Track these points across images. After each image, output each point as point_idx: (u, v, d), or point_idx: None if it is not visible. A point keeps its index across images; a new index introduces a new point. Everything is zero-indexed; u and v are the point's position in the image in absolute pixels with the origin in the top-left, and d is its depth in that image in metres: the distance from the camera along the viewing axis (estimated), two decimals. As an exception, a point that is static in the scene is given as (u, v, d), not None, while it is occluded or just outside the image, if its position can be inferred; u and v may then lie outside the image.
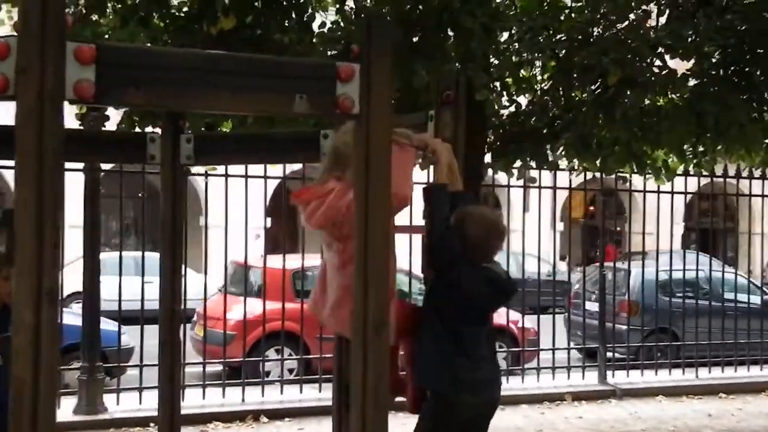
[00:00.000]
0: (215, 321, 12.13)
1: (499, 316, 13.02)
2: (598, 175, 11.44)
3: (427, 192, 4.17)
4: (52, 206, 2.80)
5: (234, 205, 10.46)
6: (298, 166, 9.59)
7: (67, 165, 9.36)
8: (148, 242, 15.03)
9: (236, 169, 10.33)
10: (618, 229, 28.50)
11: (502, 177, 10.98)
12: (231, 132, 7.03)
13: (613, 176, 11.56)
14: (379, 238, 3.14)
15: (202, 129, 7.09)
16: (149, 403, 9.86)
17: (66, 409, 9.51)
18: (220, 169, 10.24)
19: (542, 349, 12.67)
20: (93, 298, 9.60)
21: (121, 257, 10.35)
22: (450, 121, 4.24)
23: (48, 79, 2.75)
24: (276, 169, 11.33)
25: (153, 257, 14.98)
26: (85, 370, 9.47)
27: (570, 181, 12.06)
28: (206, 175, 10.70)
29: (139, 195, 13.12)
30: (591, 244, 26.94)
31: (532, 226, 11.78)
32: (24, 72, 2.74)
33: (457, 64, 7.13)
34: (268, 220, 13.04)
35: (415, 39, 7.10)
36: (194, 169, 10.10)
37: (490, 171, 9.58)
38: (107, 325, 11.85)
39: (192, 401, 9.90)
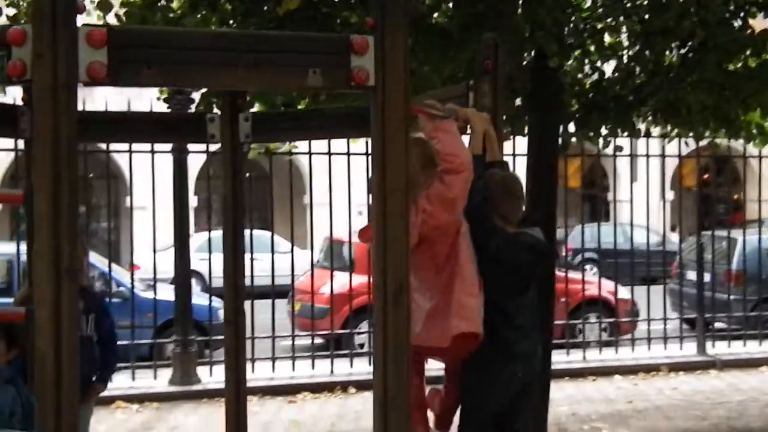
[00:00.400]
0: (309, 295, 12.30)
1: (595, 287, 13.01)
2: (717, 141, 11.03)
3: None
4: (69, 187, 2.89)
5: (337, 182, 10.53)
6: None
7: (164, 147, 9.77)
8: (257, 220, 15.38)
9: (339, 146, 10.39)
10: (736, 197, 27.82)
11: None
12: (285, 110, 7.07)
13: (729, 142, 11.16)
14: (398, 208, 3.15)
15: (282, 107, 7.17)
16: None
17: (162, 380, 9.86)
18: (323, 147, 10.29)
19: (636, 320, 12.48)
20: (184, 275, 9.86)
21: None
22: (489, 90, 4.21)
23: (61, 63, 2.84)
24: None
25: (262, 235, 15.39)
26: (179, 344, 9.77)
27: (680, 148, 11.74)
28: (309, 153, 10.71)
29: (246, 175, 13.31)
30: (705, 213, 26.31)
31: (640, 196, 11.56)
32: (39, 57, 2.84)
33: (526, 33, 7.02)
34: (370, 196, 13.03)
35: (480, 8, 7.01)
36: (298, 149, 10.30)
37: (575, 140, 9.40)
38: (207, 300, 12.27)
39: (282, 373, 10.32)
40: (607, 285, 13.02)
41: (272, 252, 10.59)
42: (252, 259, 9.76)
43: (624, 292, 13.12)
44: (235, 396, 5.04)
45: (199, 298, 12.17)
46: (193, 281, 18.45)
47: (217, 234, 15.30)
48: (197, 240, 17.41)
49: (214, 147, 10.33)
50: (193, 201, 21.04)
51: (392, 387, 3.17)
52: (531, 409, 4.48)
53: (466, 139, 4.16)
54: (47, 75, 2.84)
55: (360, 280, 11.38)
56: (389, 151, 3.16)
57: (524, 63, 7.78)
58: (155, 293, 11.06)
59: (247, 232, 13.91)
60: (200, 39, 3.10)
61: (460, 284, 3.91)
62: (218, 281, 11.17)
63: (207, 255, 10.60)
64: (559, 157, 8.07)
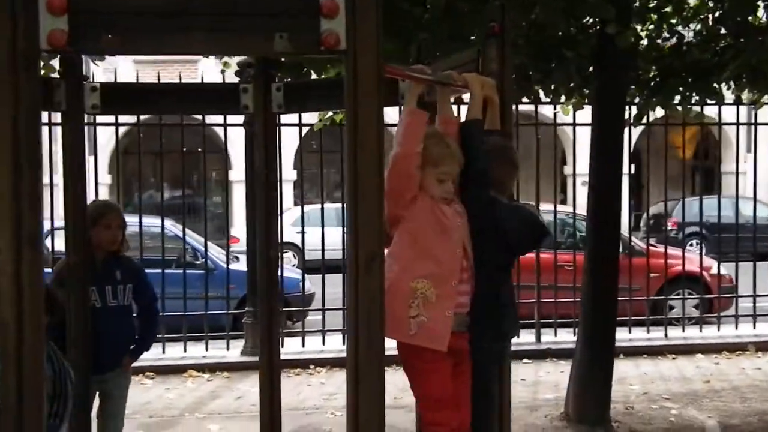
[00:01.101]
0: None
1: (690, 263, 12.69)
2: None
3: (462, 128, 4.04)
4: (30, 155, 2.91)
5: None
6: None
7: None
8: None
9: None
10: None
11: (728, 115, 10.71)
12: (317, 79, 7.00)
13: None
14: (370, 176, 3.10)
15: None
16: (313, 346, 10.31)
17: (235, 351, 10.05)
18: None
19: (719, 297, 12.13)
20: (252, 248, 9.96)
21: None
22: (495, 55, 4.08)
23: (20, 31, 2.85)
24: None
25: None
26: (250, 315, 9.90)
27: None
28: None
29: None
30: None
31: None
32: (-2, 26, 2.86)
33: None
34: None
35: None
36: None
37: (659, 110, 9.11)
38: (292, 273, 12.54)
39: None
40: (705, 261, 12.69)
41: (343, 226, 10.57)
42: (344, 233, 9.84)
43: (720, 269, 12.79)
44: (269, 368, 5.02)
45: (288, 271, 12.37)
46: (290, 254, 18.96)
47: (313, 208, 15.82)
48: (295, 213, 17.65)
49: (306, 119, 10.55)
50: (292, 174, 21.44)
51: (363, 353, 3.15)
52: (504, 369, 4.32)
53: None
54: (6, 44, 2.85)
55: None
56: (361, 118, 3.09)
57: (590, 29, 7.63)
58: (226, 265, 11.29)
59: (333, 206, 14.32)
60: (159, 4, 3.06)
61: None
62: (311, 254, 11.56)
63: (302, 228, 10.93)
64: (625, 126, 7.86)
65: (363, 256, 3.12)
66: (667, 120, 11.43)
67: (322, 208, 10.75)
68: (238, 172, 11.42)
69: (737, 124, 11.84)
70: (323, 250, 10.08)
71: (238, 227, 15.60)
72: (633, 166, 25.42)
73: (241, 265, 11.64)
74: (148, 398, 8.65)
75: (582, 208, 9.41)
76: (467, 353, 3.93)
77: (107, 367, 5.37)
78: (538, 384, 9.02)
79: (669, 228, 19.17)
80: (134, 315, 5.64)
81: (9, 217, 2.89)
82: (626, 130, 9.35)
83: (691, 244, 20.54)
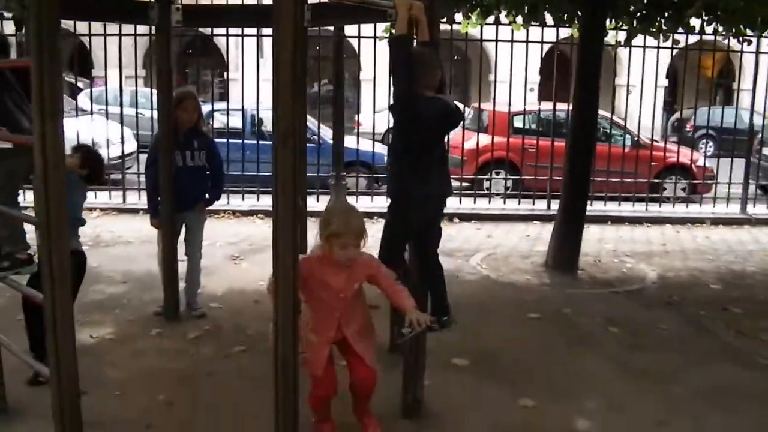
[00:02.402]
0: (454, 149, 12.41)
1: (683, 156, 12.34)
2: None
3: (389, 43, 3.99)
4: (50, 55, 3.05)
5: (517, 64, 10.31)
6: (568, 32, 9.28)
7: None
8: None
9: (519, 35, 9.71)
10: None
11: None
12: None
13: None
14: (284, 62, 3.12)
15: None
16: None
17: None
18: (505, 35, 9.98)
19: (701, 182, 11.75)
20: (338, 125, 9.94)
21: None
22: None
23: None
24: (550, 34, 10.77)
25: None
26: (333, 177, 10.05)
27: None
28: (496, 41, 10.42)
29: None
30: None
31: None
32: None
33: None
34: (539, 77, 13.12)
35: None
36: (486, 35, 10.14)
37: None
38: (381, 149, 12.64)
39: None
40: (694, 155, 12.34)
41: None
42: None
43: (703, 161, 12.44)
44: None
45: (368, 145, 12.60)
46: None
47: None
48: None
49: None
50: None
51: (282, 211, 3.22)
52: (438, 233, 4.28)
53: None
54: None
55: (496, 140, 11.34)
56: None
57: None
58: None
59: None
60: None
61: None
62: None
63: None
64: (602, 50, 7.56)
65: (281, 132, 3.13)
66: (701, 46, 11.06)
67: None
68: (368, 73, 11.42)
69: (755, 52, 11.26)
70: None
71: (364, 115, 15.75)
72: (668, 81, 24.45)
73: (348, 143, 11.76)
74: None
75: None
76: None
77: (187, 208, 5.66)
78: (538, 240, 8.98)
79: (687, 129, 18.50)
80: (207, 173, 5.80)
81: (38, 94, 3.07)
82: (663, 52, 9.04)
83: (703, 143, 19.83)
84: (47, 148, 3.07)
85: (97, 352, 4.92)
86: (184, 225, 5.75)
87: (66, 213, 3.17)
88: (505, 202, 11.09)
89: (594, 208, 10.31)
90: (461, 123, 4.21)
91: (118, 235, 8.52)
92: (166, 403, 4.20)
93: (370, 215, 10.08)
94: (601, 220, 10.02)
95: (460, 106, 4.66)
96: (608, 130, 12.57)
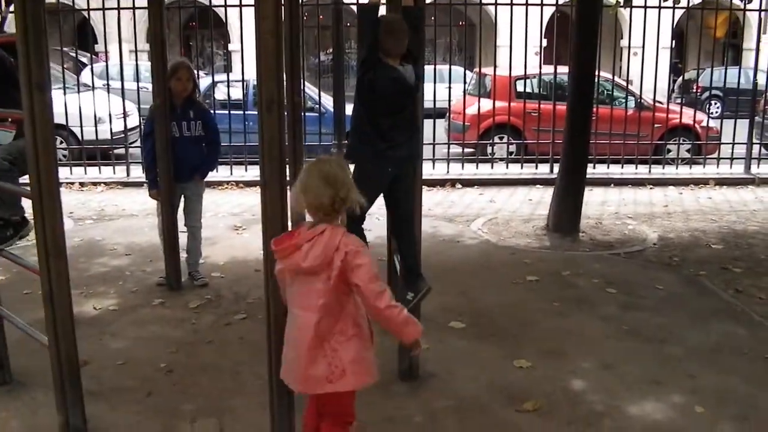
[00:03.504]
0: (456, 115, 12.39)
1: (687, 117, 12.26)
2: None
3: (357, 11, 4.03)
4: (34, 22, 3.07)
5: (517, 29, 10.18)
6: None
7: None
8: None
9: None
10: None
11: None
12: None
13: None
14: (267, 31, 3.13)
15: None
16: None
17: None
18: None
19: (702, 143, 11.73)
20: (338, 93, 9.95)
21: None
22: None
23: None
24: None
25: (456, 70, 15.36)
26: (336, 147, 10.07)
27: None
28: (480, 4, 10.39)
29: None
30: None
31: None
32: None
33: None
34: (545, 40, 12.99)
35: None
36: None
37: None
38: None
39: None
40: (698, 116, 12.22)
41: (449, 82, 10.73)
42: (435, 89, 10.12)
43: (706, 122, 12.34)
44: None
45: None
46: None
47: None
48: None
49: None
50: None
51: (269, 178, 3.22)
52: (408, 188, 4.29)
53: None
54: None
55: (498, 104, 11.23)
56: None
57: None
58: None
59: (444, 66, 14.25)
60: None
61: None
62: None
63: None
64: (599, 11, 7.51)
65: (265, 100, 3.10)
66: (703, 4, 11.00)
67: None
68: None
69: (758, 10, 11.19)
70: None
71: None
72: (674, 41, 24.21)
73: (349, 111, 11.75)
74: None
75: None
76: None
77: (184, 179, 5.68)
78: (539, 203, 8.99)
79: (693, 91, 18.38)
80: (203, 144, 5.78)
81: (24, 66, 3.09)
82: (668, 13, 9.02)
83: (709, 104, 19.70)
84: (36, 120, 3.12)
85: (100, 322, 4.99)
86: (183, 196, 5.78)
87: (58, 186, 3.21)
88: (507, 167, 11.09)
89: (597, 171, 10.33)
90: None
91: (122, 209, 8.58)
92: (167, 371, 4.26)
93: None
94: (604, 182, 10.02)
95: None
96: (611, 92, 12.52)
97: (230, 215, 8.23)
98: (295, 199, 2.89)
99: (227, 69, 17.01)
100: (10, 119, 4.51)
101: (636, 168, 10.82)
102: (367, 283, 2.73)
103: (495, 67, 11.68)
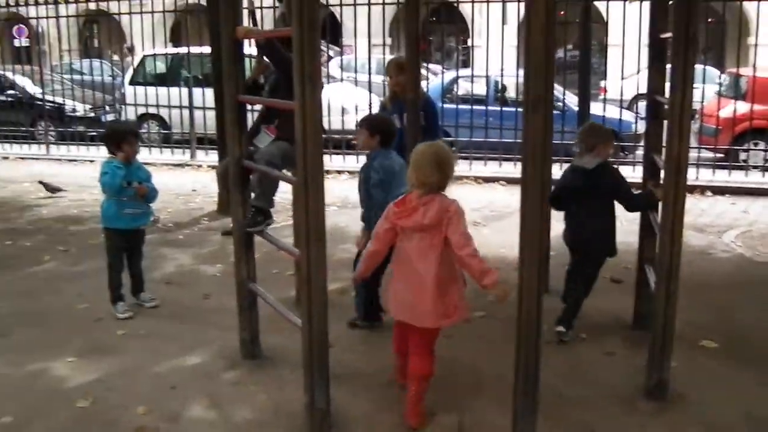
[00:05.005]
0: (708, 117, 11.63)
1: None
2: None
3: None
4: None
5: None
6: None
7: None
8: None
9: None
10: None
11: None
12: None
13: None
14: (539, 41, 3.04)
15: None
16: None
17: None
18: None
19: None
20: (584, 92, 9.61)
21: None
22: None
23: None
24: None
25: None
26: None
27: None
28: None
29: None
30: None
31: None
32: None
33: None
34: None
35: None
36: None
37: None
38: (628, 117, 12.23)
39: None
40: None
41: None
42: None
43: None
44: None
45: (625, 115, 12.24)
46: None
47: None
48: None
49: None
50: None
51: (530, 179, 3.13)
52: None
53: None
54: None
55: (757, 108, 10.43)
56: None
57: None
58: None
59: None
60: None
61: None
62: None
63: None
64: None
65: (531, 98, 3.05)
66: None
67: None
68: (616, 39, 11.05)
69: None
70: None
71: (610, 81, 15.17)
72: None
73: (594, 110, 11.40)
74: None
75: None
76: None
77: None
78: None
79: None
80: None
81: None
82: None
83: None
84: (306, 110, 3.24)
85: (342, 306, 5.13)
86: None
87: (323, 173, 3.33)
88: (764, 176, 10.25)
89: None
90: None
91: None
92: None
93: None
94: None
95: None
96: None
97: (470, 210, 8.18)
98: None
99: (466, 64, 17.12)
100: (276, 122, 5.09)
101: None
102: (457, 235, 3.36)
103: (755, 67, 10.81)
